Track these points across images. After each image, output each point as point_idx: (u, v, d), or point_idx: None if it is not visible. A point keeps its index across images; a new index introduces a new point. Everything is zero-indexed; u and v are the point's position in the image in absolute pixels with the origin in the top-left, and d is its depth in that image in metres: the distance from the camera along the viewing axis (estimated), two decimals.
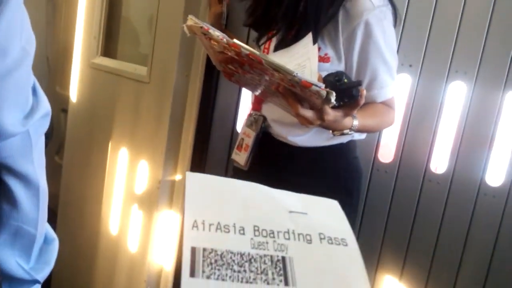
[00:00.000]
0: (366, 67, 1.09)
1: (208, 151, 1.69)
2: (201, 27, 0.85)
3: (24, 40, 0.48)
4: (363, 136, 1.24)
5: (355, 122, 1.02)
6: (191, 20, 0.88)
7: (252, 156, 1.21)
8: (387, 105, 1.16)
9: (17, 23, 0.46)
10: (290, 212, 0.39)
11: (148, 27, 1.66)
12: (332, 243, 0.39)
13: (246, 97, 1.65)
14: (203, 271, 0.32)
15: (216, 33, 0.85)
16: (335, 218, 0.42)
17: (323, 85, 0.82)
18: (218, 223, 0.36)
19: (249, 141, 1.22)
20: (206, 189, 0.39)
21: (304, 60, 0.93)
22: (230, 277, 0.33)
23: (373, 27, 1.05)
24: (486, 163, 1.46)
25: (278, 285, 0.34)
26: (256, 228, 0.37)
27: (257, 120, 1.22)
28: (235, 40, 0.85)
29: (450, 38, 1.41)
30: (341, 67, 1.10)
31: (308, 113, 0.92)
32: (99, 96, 1.73)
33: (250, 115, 1.26)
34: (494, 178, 1.46)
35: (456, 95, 1.45)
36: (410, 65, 1.45)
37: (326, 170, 1.21)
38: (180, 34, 1.42)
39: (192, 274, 0.32)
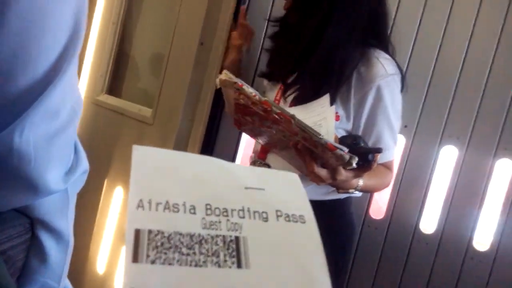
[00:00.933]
0: (373, 129, 1.14)
1: None
2: (235, 83, 0.88)
3: (73, 100, 0.50)
4: (359, 193, 1.28)
5: (360, 182, 1.06)
6: (226, 75, 0.91)
7: None
8: (387, 167, 1.20)
9: (70, 84, 0.48)
10: (246, 188, 0.36)
11: (155, 69, 1.71)
12: (289, 221, 0.36)
13: (246, 146, 1.69)
14: (148, 255, 0.29)
15: (250, 89, 0.89)
16: (294, 194, 0.39)
17: (346, 150, 0.86)
18: (167, 202, 0.32)
19: None
20: (154, 164, 0.34)
21: (320, 119, 0.97)
22: (177, 260, 0.30)
23: (384, 93, 1.11)
24: (474, 227, 1.49)
25: (230, 267, 0.31)
26: (208, 207, 0.34)
27: None
28: (267, 99, 0.89)
29: (445, 104, 1.48)
30: (348, 126, 1.15)
31: (322, 172, 0.96)
32: (100, 133, 1.75)
33: (253, 163, 1.28)
34: (481, 242, 1.50)
35: (448, 159, 1.51)
36: (405, 126, 1.51)
37: (322, 224, 1.22)
38: (188, 79, 1.47)
39: (135, 259, 0.29)
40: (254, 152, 1.34)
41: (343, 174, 0.95)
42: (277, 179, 0.39)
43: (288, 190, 0.39)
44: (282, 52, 1.22)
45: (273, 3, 1.59)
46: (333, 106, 1.03)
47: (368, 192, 1.28)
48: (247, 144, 1.70)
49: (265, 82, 1.34)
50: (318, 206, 1.23)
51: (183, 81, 1.48)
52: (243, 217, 0.34)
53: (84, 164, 0.56)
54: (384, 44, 1.18)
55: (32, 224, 0.54)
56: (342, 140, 0.97)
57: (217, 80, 0.94)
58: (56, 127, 0.48)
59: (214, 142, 1.69)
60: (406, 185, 1.53)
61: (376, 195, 1.58)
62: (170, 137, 1.49)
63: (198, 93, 1.50)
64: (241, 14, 1.44)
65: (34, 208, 0.53)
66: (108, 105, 1.75)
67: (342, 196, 1.23)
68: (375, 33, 1.16)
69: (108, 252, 1.72)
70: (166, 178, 0.34)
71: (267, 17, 1.57)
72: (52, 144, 0.48)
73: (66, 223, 0.56)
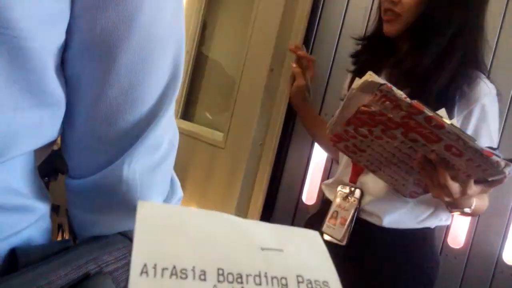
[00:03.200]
0: None
1: (272, 222, 1.72)
2: (382, 84, 0.84)
3: (171, 134, 0.54)
4: (449, 221, 1.24)
5: (474, 202, 1.02)
6: (371, 76, 0.86)
7: (350, 231, 1.18)
8: None
9: (170, 119, 0.53)
10: (263, 249, 0.32)
11: (227, 94, 1.77)
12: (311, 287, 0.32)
13: (315, 169, 1.69)
14: None
15: (399, 91, 0.85)
16: (315, 255, 0.34)
17: (502, 156, 0.82)
18: (174, 267, 0.29)
19: (346, 214, 1.19)
20: (161, 221, 0.31)
21: None
22: None
23: (488, 110, 1.10)
24: None
25: None
26: (221, 272, 0.30)
27: (354, 193, 1.21)
28: (417, 101, 0.84)
29: None
30: None
31: (455, 185, 0.92)
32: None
33: (343, 186, 1.24)
34: None
35: None
36: None
37: (410, 256, 1.20)
38: (259, 104, 1.50)
39: None
40: (337, 177, 1.30)
41: (473, 188, 0.92)
42: (296, 237, 0.35)
43: (309, 251, 0.35)
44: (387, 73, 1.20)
45: (338, 39, 1.59)
46: (454, 119, 1.01)
47: (474, 214, 1.23)
48: (316, 167, 1.69)
49: None
50: (408, 236, 1.20)
51: (254, 106, 1.51)
52: (260, 284, 0.30)
53: (179, 193, 0.59)
54: (480, 65, 1.16)
55: None
56: None
57: (357, 83, 0.89)
58: (157, 159, 0.52)
59: (283, 166, 1.70)
60: (487, 212, 1.44)
61: (454, 223, 1.51)
62: (241, 160, 1.52)
63: (268, 118, 1.52)
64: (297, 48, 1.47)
65: None
66: (182, 129, 1.82)
67: (432, 224, 1.20)
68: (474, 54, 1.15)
69: None
70: (174, 238, 0.31)
71: (337, 37, 1.57)
72: (154, 174, 0.52)
73: None
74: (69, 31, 0.44)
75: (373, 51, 1.25)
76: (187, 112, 1.93)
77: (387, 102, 0.86)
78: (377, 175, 1.13)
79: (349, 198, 1.21)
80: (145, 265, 0.28)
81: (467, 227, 1.47)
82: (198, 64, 1.93)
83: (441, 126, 0.82)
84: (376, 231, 1.19)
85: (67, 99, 0.47)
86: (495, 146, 1.14)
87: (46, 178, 1.85)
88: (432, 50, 1.10)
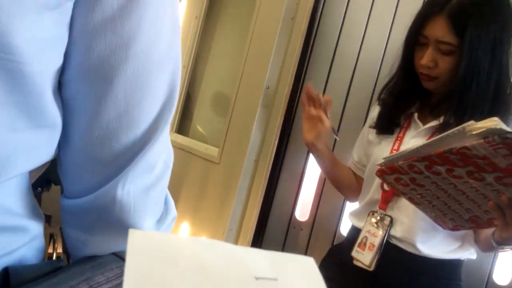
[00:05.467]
0: None
1: (265, 237, 1.73)
2: (511, 132, 0.76)
3: (166, 155, 0.54)
4: (475, 255, 1.24)
5: None
6: (498, 123, 0.75)
7: (378, 257, 1.19)
8: None
9: (165, 140, 0.53)
10: (257, 278, 0.31)
11: (222, 110, 1.78)
12: None
13: (307, 187, 1.69)
14: None
15: None
16: (310, 282, 0.34)
17: None
18: None
19: (375, 240, 1.20)
20: (153, 251, 0.30)
21: None
22: None
23: None
24: None
25: None
26: None
27: (383, 219, 1.22)
28: None
29: None
30: None
31: None
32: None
33: (373, 212, 1.25)
34: None
35: None
36: None
37: (437, 285, 1.20)
38: (254, 121, 1.51)
39: None
40: (365, 205, 1.28)
41: None
42: (290, 265, 0.34)
43: (303, 278, 0.34)
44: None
45: (332, 61, 1.61)
46: None
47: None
48: (309, 184, 1.70)
49: (371, 136, 1.32)
50: (437, 265, 1.18)
51: (249, 123, 1.52)
52: None
53: (173, 212, 0.60)
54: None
55: None
56: None
57: (475, 127, 0.79)
58: (152, 180, 0.52)
59: (277, 183, 1.71)
60: None
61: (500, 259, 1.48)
62: (236, 176, 1.53)
63: (263, 135, 1.53)
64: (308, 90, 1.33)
65: None
66: (177, 143, 1.83)
67: (462, 257, 1.21)
68: None
69: None
70: (166, 268, 0.30)
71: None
72: (148, 195, 0.52)
73: None
74: (67, 55, 0.44)
75: (407, 88, 1.24)
76: (182, 127, 1.94)
77: (504, 149, 0.78)
78: (419, 207, 1.10)
79: (379, 224, 1.22)
80: None
81: None
82: (195, 79, 1.94)
83: None
84: (405, 258, 1.19)
85: (63, 120, 0.48)
86: None
87: (39, 188, 1.84)
88: (472, 94, 1.11)
